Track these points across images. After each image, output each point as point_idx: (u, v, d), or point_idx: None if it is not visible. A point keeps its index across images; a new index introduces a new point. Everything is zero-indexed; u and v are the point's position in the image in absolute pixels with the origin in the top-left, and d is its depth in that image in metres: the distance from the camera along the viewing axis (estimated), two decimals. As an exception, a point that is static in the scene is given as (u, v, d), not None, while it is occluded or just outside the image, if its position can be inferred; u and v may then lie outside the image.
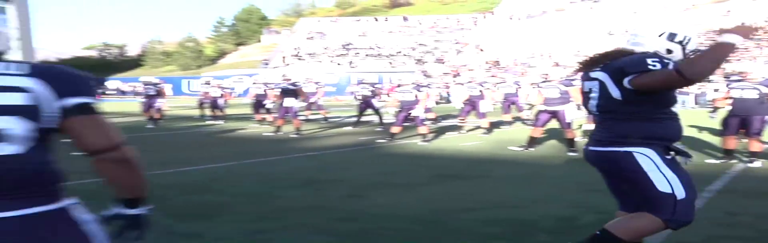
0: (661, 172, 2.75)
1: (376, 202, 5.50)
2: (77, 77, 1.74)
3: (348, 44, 54.32)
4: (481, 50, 47.48)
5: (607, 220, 4.52)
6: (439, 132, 12.80)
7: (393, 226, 4.50)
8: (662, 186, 2.74)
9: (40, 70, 1.68)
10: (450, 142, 10.77)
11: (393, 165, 8.02)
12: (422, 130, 10.66)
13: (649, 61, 2.64)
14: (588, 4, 51.45)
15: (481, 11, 60.15)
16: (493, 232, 4.30)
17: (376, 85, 14.78)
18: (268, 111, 15.55)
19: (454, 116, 14.50)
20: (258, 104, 15.50)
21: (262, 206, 5.30)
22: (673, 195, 2.73)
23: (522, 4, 55.05)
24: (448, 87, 32.20)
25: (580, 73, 3.09)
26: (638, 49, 2.87)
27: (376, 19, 62.05)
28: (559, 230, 4.31)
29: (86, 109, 1.70)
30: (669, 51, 2.87)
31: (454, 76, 39.51)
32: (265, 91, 15.24)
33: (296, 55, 53.59)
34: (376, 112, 14.54)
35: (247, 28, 72.35)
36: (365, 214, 4.93)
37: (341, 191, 6.03)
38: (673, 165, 2.81)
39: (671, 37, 2.89)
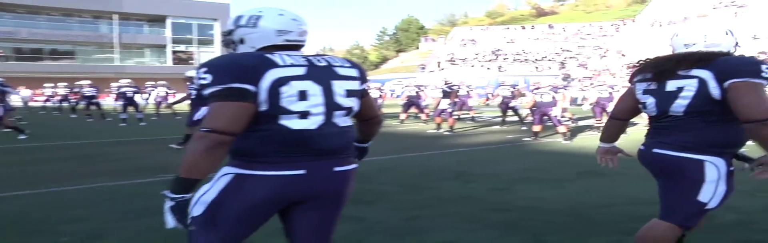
0: (717, 184, 2.44)
1: (522, 195, 5.40)
2: (359, 67, 2.18)
3: (497, 50, 53.70)
4: (623, 55, 45.35)
5: (746, 221, 4.20)
6: (579, 131, 12.43)
7: (537, 218, 4.40)
8: (704, 196, 2.45)
9: (354, 63, 2.14)
10: (590, 141, 10.41)
11: (537, 161, 7.84)
12: (561, 129, 10.36)
13: (763, 67, 2.28)
14: (732, 10, 47.70)
15: (623, 18, 57.50)
16: (633, 227, 4.08)
17: (515, 87, 14.52)
18: (421, 110, 15.71)
19: (591, 117, 13.97)
20: (408, 104, 15.53)
21: (418, 195, 5.37)
22: (705, 204, 2.46)
23: (664, 11, 51.97)
24: (583, 90, 31.03)
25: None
26: (715, 49, 2.51)
27: (523, 28, 60.93)
28: (697, 228, 4.03)
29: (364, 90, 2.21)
30: (737, 44, 2.60)
31: (591, 79, 38.03)
32: (417, 92, 15.38)
33: (450, 61, 53.63)
34: (515, 112, 14.37)
35: (406, 37, 73.39)
36: (512, 206, 4.86)
37: (490, 184, 5.98)
38: (730, 177, 2.48)
39: (730, 32, 2.59)
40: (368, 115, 2.26)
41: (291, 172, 1.90)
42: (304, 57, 1.98)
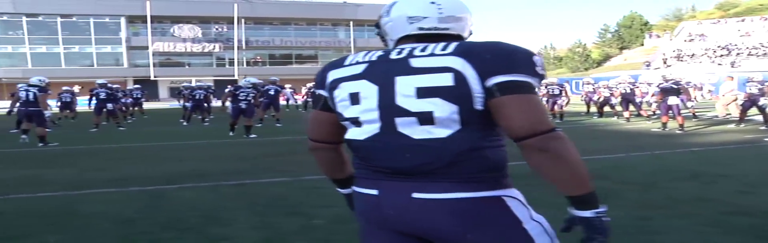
0: None
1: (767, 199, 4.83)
2: (507, 53, 1.39)
3: (730, 44, 48.43)
4: None
5: None
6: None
7: (789, 225, 3.89)
8: None
9: (466, 48, 1.41)
10: None
11: (784, 163, 6.96)
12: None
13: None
14: None
15: None
16: None
17: (765, 84, 12.90)
18: (638, 107, 14.75)
19: None
20: (625, 102, 14.60)
21: (648, 195, 5.02)
22: None
23: None
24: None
25: None
26: None
27: (765, 18, 54.19)
28: None
29: (513, 88, 1.34)
30: None
31: None
32: (631, 89, 14.42)
33: (677, 57, 49.47)
34: (762, 110, 12.74)
35: (629, 34, 69.08)
36: (757, 211, 4.34)
37: (730, 186, 5.40)
38: None
39: None
40: (513, 133, 1.34)
41: (366, 190, 1.53)
42: (388, 51, 1.52)
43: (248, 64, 51.23)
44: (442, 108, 1.37)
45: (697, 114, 15.75)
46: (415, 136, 1.41)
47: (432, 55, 1.41)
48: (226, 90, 13.08)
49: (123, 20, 47.38)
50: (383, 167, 1.48)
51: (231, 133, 11.80)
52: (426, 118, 1.39)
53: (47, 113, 10.58)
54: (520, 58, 1.39)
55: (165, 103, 40.39)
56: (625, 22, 71.50)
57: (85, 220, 4.39)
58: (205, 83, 20.27)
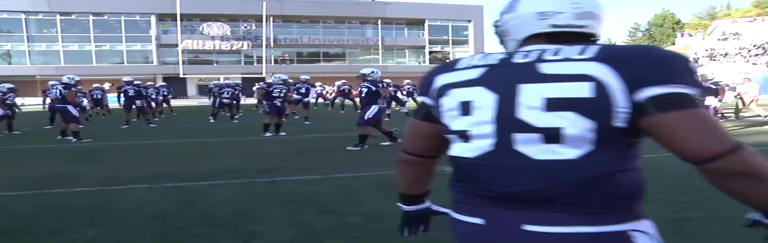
0: None
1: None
2: (663, 59, 1.16)
3: (766, 44, 47.41)
4: None
5: None
6: None
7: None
8: None
9: (610, 53, 1.18)
10: None
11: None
12: None
13: None
14: None
15: None
16: None
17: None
18: None
19: None
20: None
21: (684, 197, 4.95)
22: None
23: None
24: None
25: None
26: None
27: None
28: None
29: (673, 102, 1.11)
30: None
31: None
32: None
33: (709, 56, 48.65)
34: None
35: (660, 32, 68.18)
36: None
37: None
38: None
39: None
40: (689, 158, 1.12)
41: (468, 218, 1.30)
42: (511, 54, 1.31)
43: (276, 62, 51.57)
44: (574, 124, 1.15)
45: (725, 114, 15.48)
46: (536, 157, 1.19)
47: (567, 59, 1.19)
48: (257, 88, 13.13)
49: (153, 18, 48.01)
50: (490, 191, 1.25)
51: (267, 134, 11.47)
52: (552, 136, 1.16)
53: (75, 110, 10.81)
54: (678, 65, 1.16)
55: (193, 100, 40.84)
56: (656, 20, 70.57)
57: (122, 215, 4.47)
58: (233, 81, 20.51)
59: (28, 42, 46.71)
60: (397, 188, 1.58)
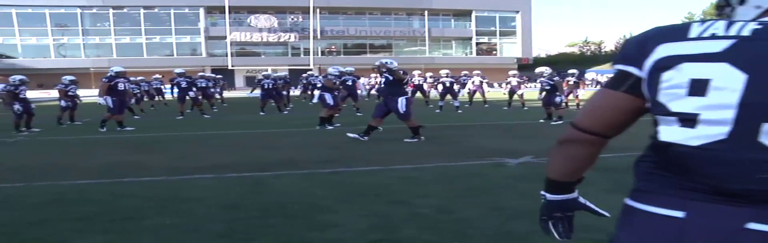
0: None
1: None
2: None
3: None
4: None
5: None
6: None
7: None
8: None
9: None
10: None
11: None
12: None
13: None
14: None
15: None
16: None
17: None
18: None
19: None
20: None
21: None
22: None
23: None
24: None
25: None
26: None
27: None
28: None
29: None
30: None
31: None
32: None
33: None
34: None
35: (717, 22, 66.07)
36: None
37: None
38: None
39: None
40: None
41: (663, 210, 1.15)
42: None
43: (322, 53, 51.90)
44: None
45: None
46: None
47: None
48: (326, 78, 13.07)
49: (202, 11, 48.76)
50: (711, 185, 1.10)
51: (329, 127, 11.27)
52: None
53: (101, 100, 11.33)
54: None
55: (241, 91, 41.36)
56: (711, 9, 68.33)
57: (191, 204, 4.53)
58: (279, 73, 20.66)
59: (82, 35, 48.10)
60: (549, 173, 1.41)
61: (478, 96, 18.73)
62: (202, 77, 16.96)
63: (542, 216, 1.45)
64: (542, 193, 1.45)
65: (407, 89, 11.85)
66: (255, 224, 3.87)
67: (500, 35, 54.27)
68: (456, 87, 17.62)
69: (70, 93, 13.29)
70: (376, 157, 7.11)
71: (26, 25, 47.34)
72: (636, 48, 1.17)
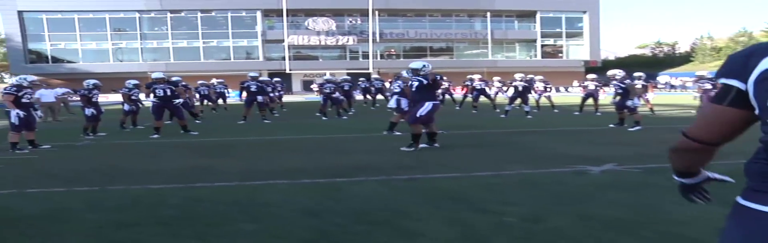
0: None
1: None
2: None
3: None
4: None
5: None
6: None
7: None
8: None
9: None
10: None
11: None
12: None
13: None
14: None
15: None
16: None
17: None
18: None
19: None
20: None
21: None
22: None
23: None
24: None
25: None
26: None
27: None
28: None
29: None
30: None
31: None
32: None
33: None
34: None
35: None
36: None
37: None
38: None
39: None
40: None
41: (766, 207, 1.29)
42: None
43: (381, 57, 52.10)
44: None
45: None
46: None
47: None
48: (394, 84, 13.07)
49: (259, 14, 49.69)
50: None
51: (396, 133, 11.26)
52: None
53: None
54: None
55: (298, 96, 41.96)
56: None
57: (270, 210, 4.58)
58: (338, 77, 20.80)
59: (140, 40, 49.64)
60: (674, 168, 1.64)
61: (544, 100, 18.52)
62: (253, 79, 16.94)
63: (683, 191, 1.71)
64: (675, 177, 1.67)
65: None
66: (341, 231, 3.88)
67: (566, 37, 53.40)
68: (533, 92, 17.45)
69: (133, 97, 13.72)
70: (453, 163, 7.07)
71: (87, 29, 49.26)
72: (741, 62, 1.31)
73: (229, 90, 23.33)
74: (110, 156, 8.65)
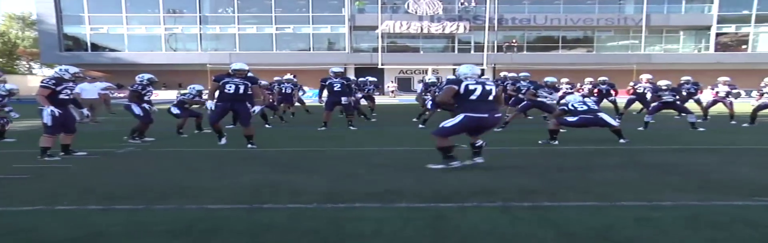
0: None
1: None
2: None
3: None
4: None
5: None
6: None
7: None
8: None
9: None
10: None
11: None
12: None
13: None
14: None
15: None
16: None
17: None
18: None
19: None
20: None
21: None
22: None
23: None
24: None
25: None
26: None
27: None
28: None
29: None
30: None
31: None
32: None
33: None
34: None
35: None
36: None
37: None
38: None
39: None
40: None
41: None
42: None
43: (499, 49, 51.65)
44: None
45: None
46: None
47: None
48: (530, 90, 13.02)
49: (347, -6, 50.55)
50: None
51: (554, 142, 11.88)
52: None
53: (210, 105, 11.78)
54: None
55: (385, 97, 42.20)
56: None
57: (362, 241, 4.61)
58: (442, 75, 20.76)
59: (199, 24, 51.33)
60: None
61: (720, 108, 17.98)
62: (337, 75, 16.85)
63: None
64: None
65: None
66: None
67: (756, 22, 51.19)
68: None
69: (145, 96, 14.18)
70: (592, 189, 6.91)
71: (135, 10, 51.53)
72: None
73: (306, 88, 23.69)
74: (159, 167, 8.96)
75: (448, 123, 8.40)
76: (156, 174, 8.22)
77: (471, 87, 8.30)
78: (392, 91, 48.98)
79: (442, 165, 8.48)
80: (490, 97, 8.38)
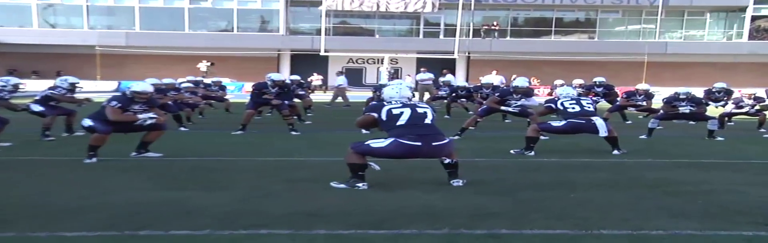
0: None
1: None
2: None
3: None
4: None
5: None
6: None
7: None
8: None
9: None
10: None
11: None
12: None
13: None
14: None
15: None
16: None
17: None
18: None
19: None
20: None
21: None
22: None
23: None
24: None
25: None
26: None
27: None
28: None
29: None
30: None
31: None
32: None
33: None
34: None
35: None
36: None
37: None
38: None
39: None
40: None
41: None
42: None
43: (476, 34, 51.55)
44: None
45: None
46: None
47: None
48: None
49: (282, -41, 50.35)
50: None
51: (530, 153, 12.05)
52: None
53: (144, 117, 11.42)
54: None
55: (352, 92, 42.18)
56: None
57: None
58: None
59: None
60: None
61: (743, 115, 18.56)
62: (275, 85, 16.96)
63: None
64: None
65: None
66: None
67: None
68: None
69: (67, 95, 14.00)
70: (568, 212, 7.00)
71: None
72: None
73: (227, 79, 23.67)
74: (9, 180, 8.80)
75: (375, 143, 8.42)
76: (3, 189, 8.09)
77: (395, 111, 8.41)
78: (320, 86, 48.16)
79: (345, 185, 8.49)
80: (427, 121, 8.49)
